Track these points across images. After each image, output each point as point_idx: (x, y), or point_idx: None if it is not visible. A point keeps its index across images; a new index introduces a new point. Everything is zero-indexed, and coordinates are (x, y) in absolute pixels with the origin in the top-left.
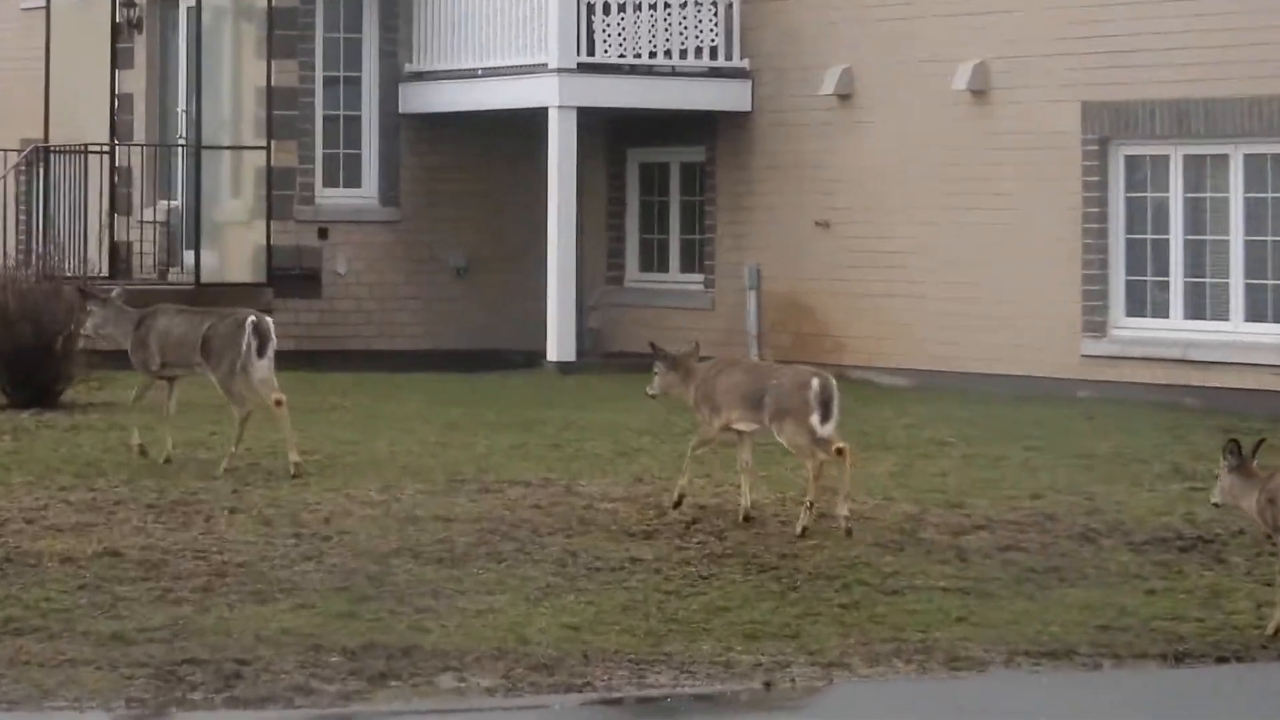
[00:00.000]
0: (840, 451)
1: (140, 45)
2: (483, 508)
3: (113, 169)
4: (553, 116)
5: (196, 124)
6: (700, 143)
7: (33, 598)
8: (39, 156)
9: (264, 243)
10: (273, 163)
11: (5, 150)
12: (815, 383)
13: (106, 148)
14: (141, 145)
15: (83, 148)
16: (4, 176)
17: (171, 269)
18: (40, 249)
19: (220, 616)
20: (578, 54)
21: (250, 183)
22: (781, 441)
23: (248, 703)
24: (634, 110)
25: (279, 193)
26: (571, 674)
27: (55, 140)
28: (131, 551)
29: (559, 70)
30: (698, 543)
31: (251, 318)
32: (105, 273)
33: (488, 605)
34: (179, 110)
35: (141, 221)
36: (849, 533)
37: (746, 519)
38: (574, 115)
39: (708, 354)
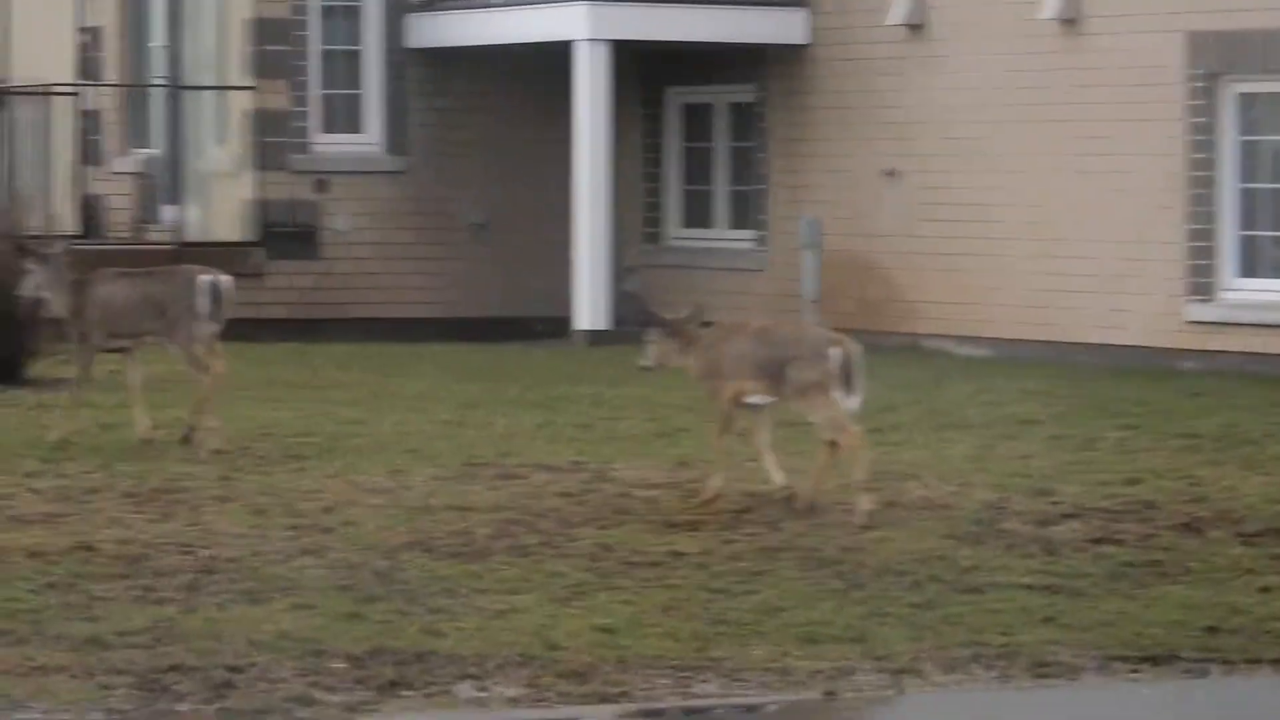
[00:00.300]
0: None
1: None
2: (504, 496)
3: (81, 113)
4: (580, 51)
5: (175, 62)
6: (750, 80)
7: None
8: None
9: (253, 196)
10: (262, 105)
11: None
12: (834, 351)
13: (73, 89)
14: (113, 86)
15: (45, 89)
16: None
17: (149, 226)
18: (1, 204)
19: (209, 618)
20: None
21: (237, 128)
22: (811, 420)
23: (241, 715)
24: (675, 43)
25: (269, 140)
26: (606, 682)
27: (18, 79)
28: (108, 545)
29: None
30: (748, 534)
31: (205, 275)
32: (75, 230)
33: (510, 605)
34: (155, 45)
35: (114, 173)
36: (790, 499)
37: (791, 498)
38: (605, 49)
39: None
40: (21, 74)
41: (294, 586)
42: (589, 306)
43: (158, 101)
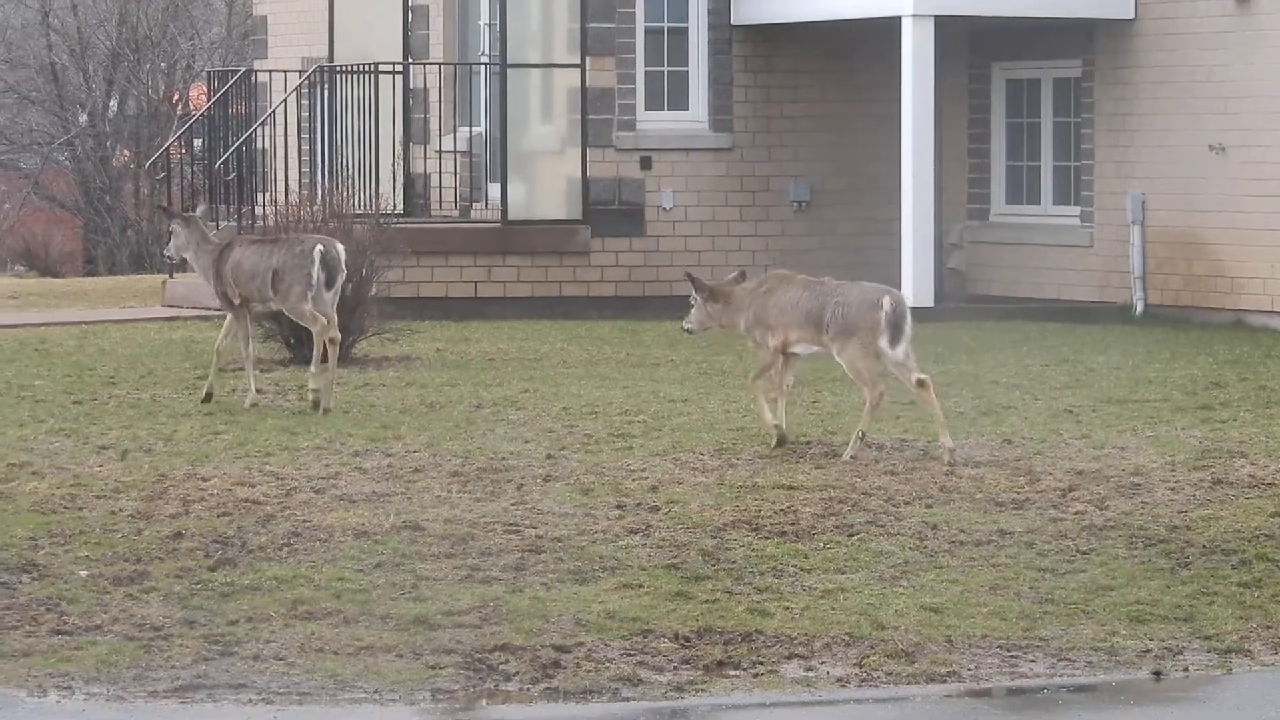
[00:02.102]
0: (922, 384)
1: None
2: (830, 474)
3: (406, 91)
4: (907, 26)
5: (502, 39)
6: (1076, 55)
7: (325, 577)
8: (323, 78)
9: (579, 174)
10: (588, 83)
11: (285, 71)
12: (887, 301)
13: (399, 67)
14: (439, 64)
15: (372, 67)
16: (284, 101)
17: (475, 204)
18: (326, 183)
19: (535, 598)
20: None
21: (563, 106)
22: (841, 363)
23: (568, 695)
24: (1000, 19)
25: (595, 117)
26: (933, 662)
27: (341, 59)
28: (434, 525)
29: None
30: (1075, 513)
31: (320, 246)
32: (400, 209)
33: (837, 584)
34: (482, 24)
35: (440, 151)
36: (952, 467)
37: (780, 443)
38: (931, 25)
39: (1072, 299)
40: (348, 53)
41: (620, 566)
42: (914, 283)
43: (484, 79)
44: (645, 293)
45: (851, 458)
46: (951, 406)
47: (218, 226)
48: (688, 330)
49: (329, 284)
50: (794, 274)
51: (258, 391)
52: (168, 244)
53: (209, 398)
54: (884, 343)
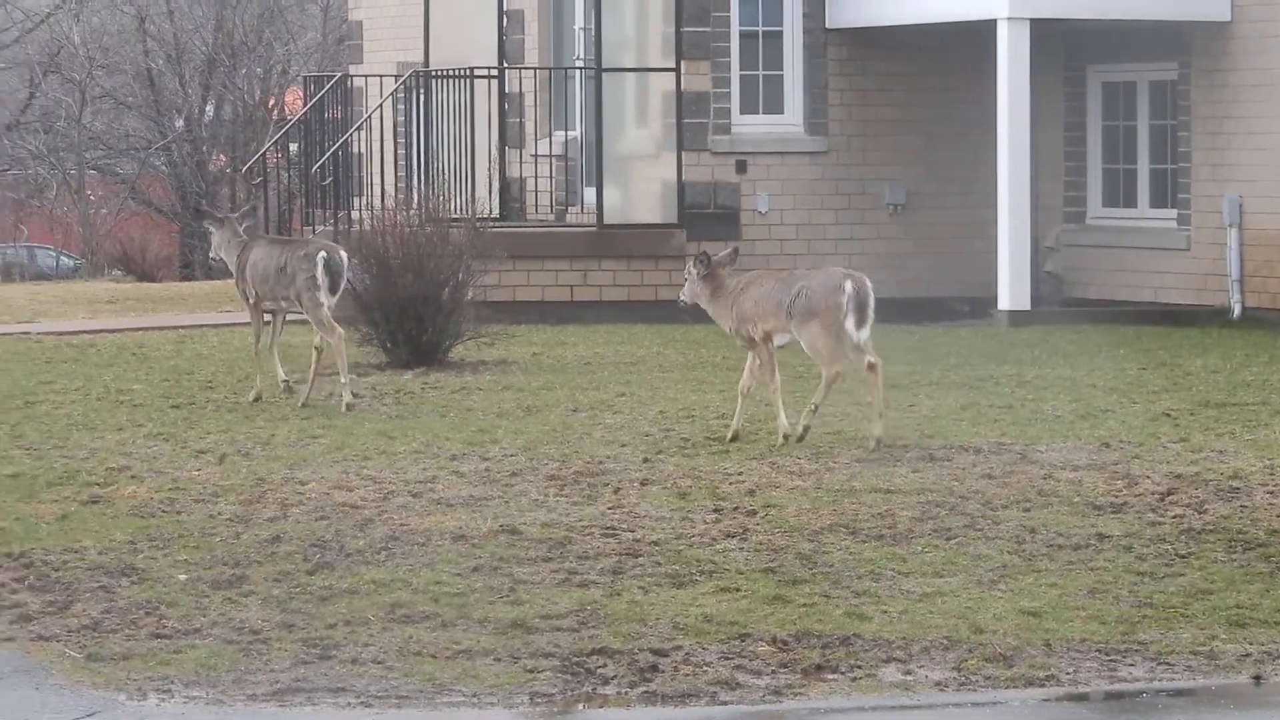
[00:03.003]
0: (872, 367)
1: None
2: (927, 478)
3: (502, 96)
4: (1002, 29)
5: (597, 44)
6: (1172, 58)
7: (423, 581)
8: (418, 82)
9: (674, 178)
10: (683, 86)
11: (380, 76)
12: (849, 284)
13: (494, 72)
14: (534, 69)
15: (468, 72)
16: (379, 106)
17: (570, 209)
18: (422, 188)
19: (633, 601)
20: None
21: (658, 110)
22: (802, 344)
23: (666, 698)
24: (1095, 21)
25: (690, 121)
26: (1032, 666)
27: (436, 64)
28: (531, 529)
29: None
30: (1174, 517)
31: (322, 253)
32: (495, 213)
33: (935, 588)
34: (576, 28)
35: (535, 155)
36: (877, 444)
37: (734, 439)
38: (1026, 28)
39: (1168, 302)
40: (443, 58)
41: (718, 569)
42: (1010, 286)
43: (579, 83)
44: None
45: (804, 428)
46: (1049, 410)
47: (275, 230)
48: (682, 302)
49: (332, 289)
50: (768, 270)
51: (292, 383)
52: (209, 247)
53: (259, 398)
54: (850, 324)
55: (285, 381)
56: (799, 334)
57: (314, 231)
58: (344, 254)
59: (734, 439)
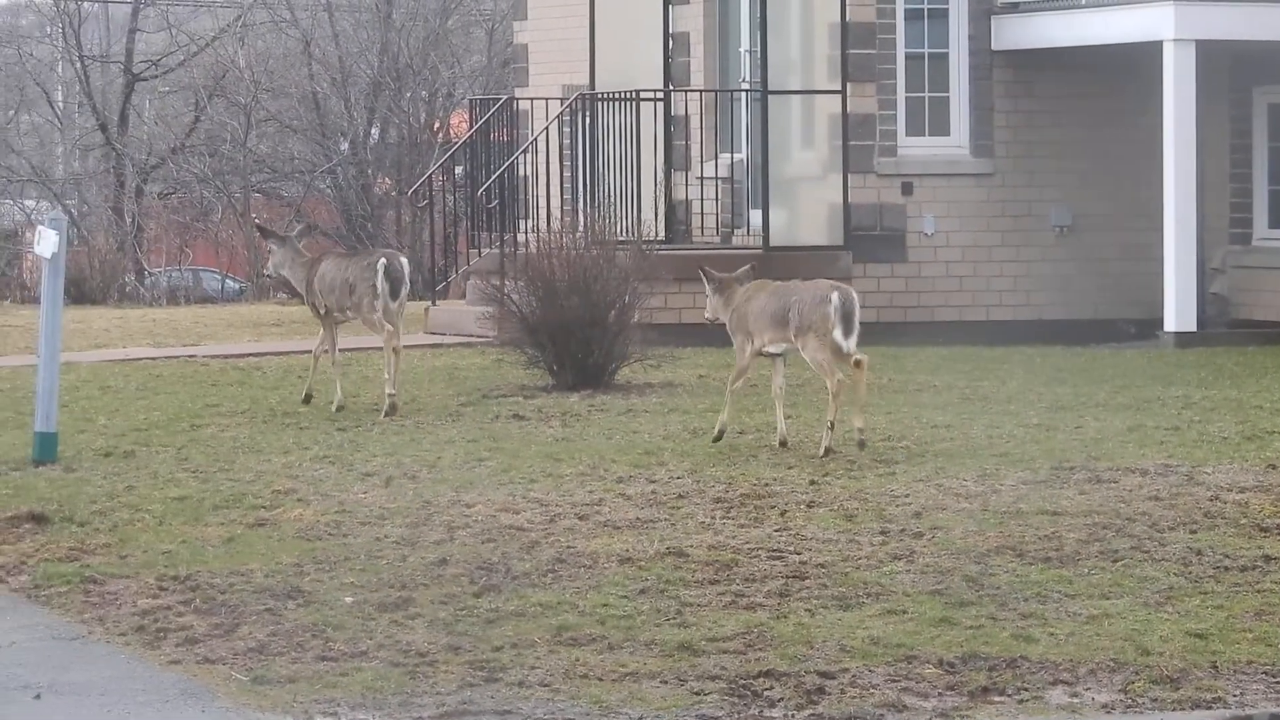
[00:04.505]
0: (858, 364)
1: None
2: (1094, 500)
3: (668, 118)
4: (1168, 51)
5: (762, 66)
6: None
7: (589, 603)
8: (584, 105)
9: (840, 200)
10: (849, 109)
11: (546, 99)
12: (835, 296)
13: (660, 94)
14: (700, 91)
15: (633, 94)
16: (545, 129)
17: (736, 231)
18: (588, 210)
19: (799, 624)
20: None
21: (824, 132)
22: (805, 358)
23: None
24: (1262, 43)
25: (856, 143)
26: (1199, 688)
27: (602, 87)
28: (698, 551)
29: None
30: None
31: (383, 259)
32: (661, 235)
33: (1102, 610)
34: (742, 51)
35: (701, 178)
36: (861, 445)
37: (783, 444)
38: (1192, 49)
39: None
40: (608, 80)
41: (884, 592)
42: (1177, 308)
43: (744, 106)
44: (907, 318)
45: (827, 450)
46: (1216, 432)
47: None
48: (707, 319)
49: (393, 294)
50: (767, 281)
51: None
52: (266, 264)
53: (308, 399)
54: (838, 334)
55: (340, 403)
56: (802, 350)
57: (479, 255)
58: (404, 261)
59: (782, 444)
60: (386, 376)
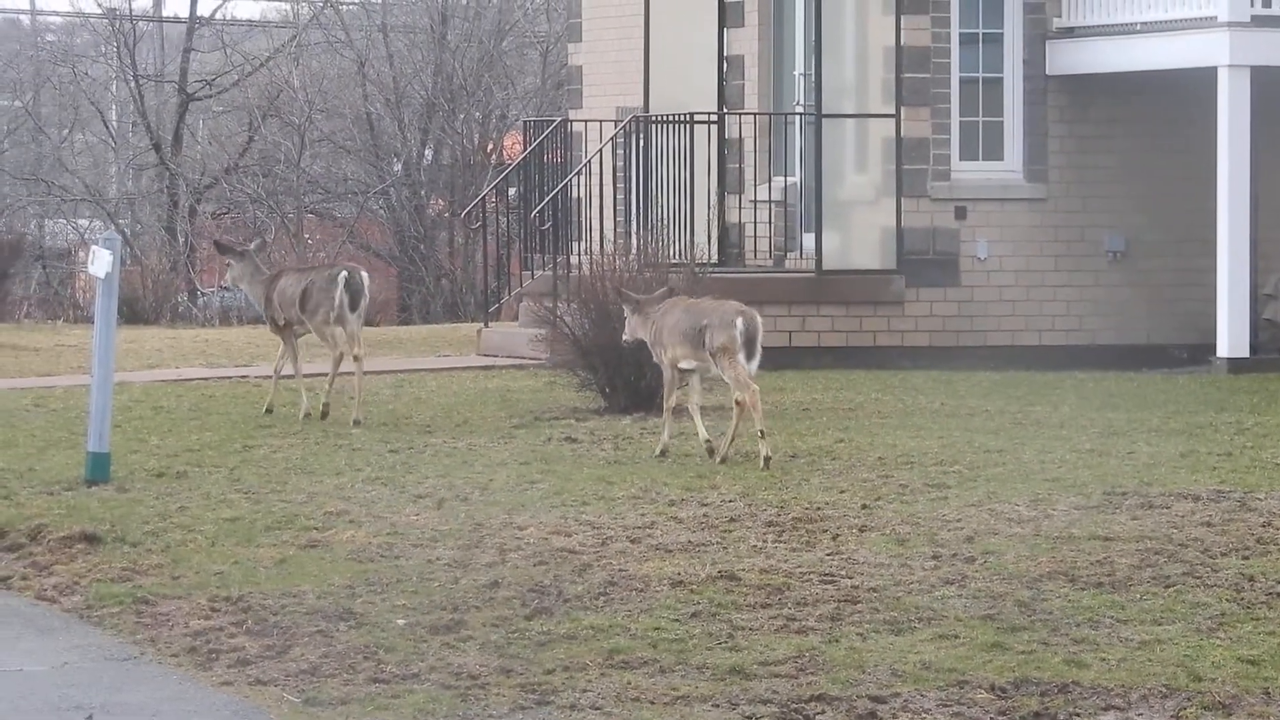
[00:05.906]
0: (751, 393)
1: (752, 1)
2: (1146, 525)
3: (721, 141)
4: (1222, 77)
5: (817, 89)
6: None
7: (641, 627)
8: (638, 127)
9: (893, 224)
10: (903, 133)
11: (600, 121)
12: (740, 321)
13: (714, 117)
14: (754, 114)
15: (687, 117)
16: (599, 151)
17: (789, 254)
18: (641, 232)
19: (851, 648)
20: (1250, 5)
21: (877, 156)
22: (723, 376)
23: None
24: None
25: (910, 167)
26: (1251, 714)
27: (655, 109)
28: (750, 575)
29: (1229, 24)
30: None
31: (344, 272)
32: (714, 258)
33: (1154, 636)
34: (796, 74)
35: (755, 200)
36: (724, 460)
37: (710, 453)
38: (1247, 75)
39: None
40: (662, 102)
41: (936, 616)
42: (1230, 333)
43: (798, 129)
44: (960, 343)
45: (766, 459)
46: (1268, 458)
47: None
48: (625, 342)
49: (352, 306)
50: (683, 298)
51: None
52: (225, 275)
53: (269, 411)
54: (741, 357)
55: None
56: (716, 367)
57: (532, 277)
58: (365, 275)
59: (710, 453)
60: (343, 394)
